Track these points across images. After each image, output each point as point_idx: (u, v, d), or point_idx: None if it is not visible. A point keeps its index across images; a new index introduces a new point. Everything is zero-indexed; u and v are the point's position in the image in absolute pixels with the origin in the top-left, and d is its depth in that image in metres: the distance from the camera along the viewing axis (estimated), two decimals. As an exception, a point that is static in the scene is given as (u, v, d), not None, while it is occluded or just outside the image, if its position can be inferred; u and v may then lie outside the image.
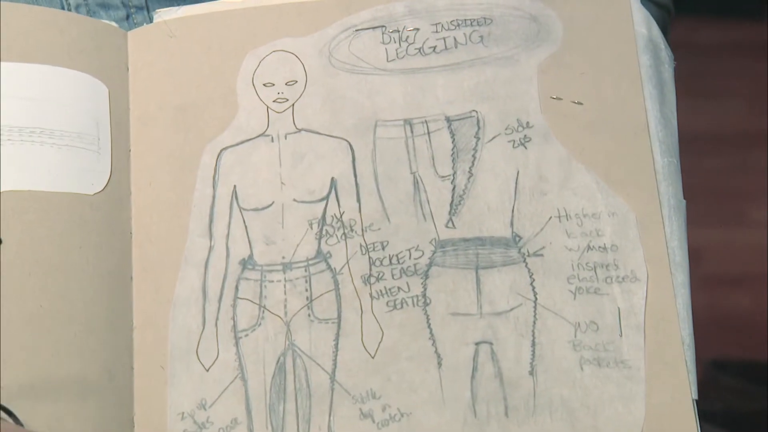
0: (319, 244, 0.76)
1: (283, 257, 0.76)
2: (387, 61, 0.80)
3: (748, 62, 2.01)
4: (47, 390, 0.70)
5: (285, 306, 0.75)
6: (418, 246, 0.76)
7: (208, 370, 0.74)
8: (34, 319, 0.71)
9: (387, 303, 0.75)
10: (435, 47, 0.80)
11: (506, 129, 0.78)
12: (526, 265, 0.76)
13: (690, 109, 0.86)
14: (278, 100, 0.79)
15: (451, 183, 0.78)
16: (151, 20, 0.82)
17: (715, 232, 1.83)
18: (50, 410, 0.70)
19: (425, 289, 0.75)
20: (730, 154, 1.97)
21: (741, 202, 1.94)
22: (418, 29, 0.80)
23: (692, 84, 1.00)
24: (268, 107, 0.79)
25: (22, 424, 0.68)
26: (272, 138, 0.78)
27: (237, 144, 0.78)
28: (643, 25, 0.80)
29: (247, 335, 0.75)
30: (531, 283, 0.76)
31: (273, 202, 0.77)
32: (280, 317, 0.75)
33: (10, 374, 0.70)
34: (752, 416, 1.61)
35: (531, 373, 0.74)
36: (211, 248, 0.76)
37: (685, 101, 0.83)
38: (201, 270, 0.75)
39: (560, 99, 0.79)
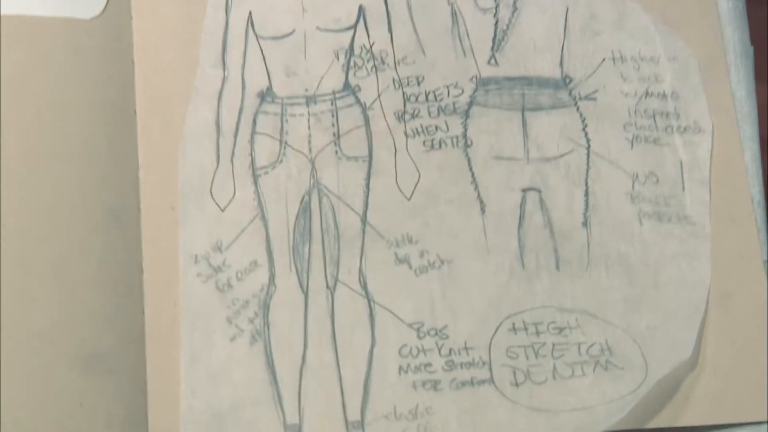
0: (347, 76, 0.74)
1: (306, 89, 0.74)
2: None
3: None
4: (48, 230, 0.69)
5: (309, 142, 0.73)
6: (457, 83, 0.74)
7: (223, 210, 0.72)
8: (31, 156, 0.70)
9: (424, 142, 0.73)
10: None
11: (553, -40, 0.77)
12: (577, 109, 0.74)
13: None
14: None
15: (494, 17, 0.76)
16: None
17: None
18: (51, 248, 0.69)
19: (466, 130, 0.74)
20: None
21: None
22: None
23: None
24: (286, -71, 0.76)
25: None
26: (291, -39, 0.76)
27: None
28: None
29: (266, 173, 0.72)
30: (583, 128, 0.74)
31: (294, 30, 0.74)
32: (303, 153, 0.73)
33: (11, 215, 0.69)
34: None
35: (584, 224, 0.73)
36: (224, 79, 0.74)
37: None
38: (214, 102, 0.73)
39: None
